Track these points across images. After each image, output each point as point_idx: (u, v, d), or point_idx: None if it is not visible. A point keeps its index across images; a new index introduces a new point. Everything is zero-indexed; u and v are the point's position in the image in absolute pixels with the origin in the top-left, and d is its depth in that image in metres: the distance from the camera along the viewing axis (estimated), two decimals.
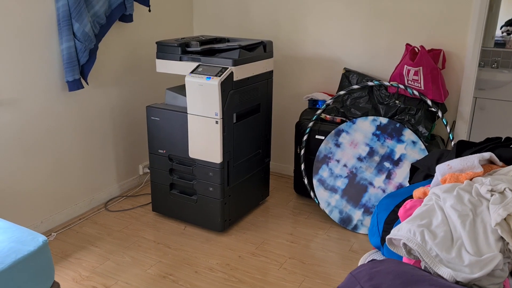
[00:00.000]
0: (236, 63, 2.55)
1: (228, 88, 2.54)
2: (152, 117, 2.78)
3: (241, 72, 2.62)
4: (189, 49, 2.73)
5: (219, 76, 2.49)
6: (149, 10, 3.08)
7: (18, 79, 2.46)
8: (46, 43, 2.57)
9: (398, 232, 1.22)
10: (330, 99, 3.03)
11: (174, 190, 2.88)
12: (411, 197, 1.45)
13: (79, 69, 2.68)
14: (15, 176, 2.54)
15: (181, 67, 2.70)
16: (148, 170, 3.43)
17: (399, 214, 1.33)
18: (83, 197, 3.00)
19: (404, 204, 1.31)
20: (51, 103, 2.67)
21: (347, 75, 3.09)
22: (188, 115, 2.63)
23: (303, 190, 3.27)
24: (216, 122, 2.55)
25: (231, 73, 2.53)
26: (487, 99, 3.59)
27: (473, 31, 2.79)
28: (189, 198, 2.82)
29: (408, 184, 2.72)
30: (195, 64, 2.63)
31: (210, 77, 2.50)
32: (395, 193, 1.49)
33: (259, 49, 2.80)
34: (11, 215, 2.54)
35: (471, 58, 2.84)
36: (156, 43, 2.76)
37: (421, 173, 1.61)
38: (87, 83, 2.78)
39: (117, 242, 2.69)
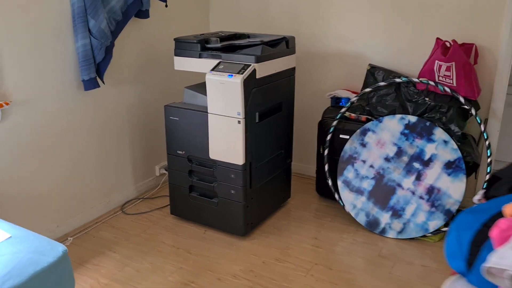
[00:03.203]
0: (258, 59, 2.43)
1: (251, 86, 2.42)
2: (170, 117, 2.67)
3: (264, 69, 2.50)
4: (208, 45, 2.61)
5: (242, 74, 2.37)
6: (166, 5, 2.97)
7: (32, 79, 2.37)
8: (61, 40, 2.47)
9: (502, 261, 1.03)
10: (355, 96, 2.90)
11: (193, 192, 2.77)
12: (499, 214, 1.27)
13: (95, 68, 2.58)
14: (30, 179, 2.44)
15: (201, 65, 2.58)
16: (165, 171, 3.33)
17: (492, 235, 1.15)
18: (99, 199, 2.90)
19: (497, 223, 1.16)
20: (66, 103, 2.57)
21: (373, 72, 2.95)
22: (209, 114, 2.51)
23: (326, 192, 3.14)
24: (239, 122, 2.43)
25: (254, 70, 2.41)
26: None
27: (507, 24, 2.64)
28: (209, 201, 2.71)
29: (440, 186, 2.59)
30: (215, 61, 2.51)
31: (232, 75, 2.38)
32: (476, 209, 1.36)
33: (282, 45, 2.68)
34: (26, 220, 2.45)
35: (505, 52, 2.69)
36: (174, 39, 2.65)
37: (505, 185, 1.44)
38: (103, 82, 2.67)
39: (136, 247, 2.59)
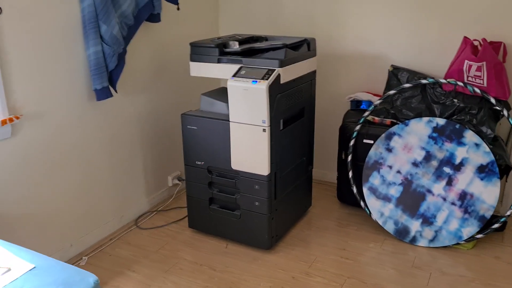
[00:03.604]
0: (282, 64, 2.30)
1: (275, 92, 2.29)
2: (188, 126, 2.53)
3: (288, 74, 2.37)
4: (227, 49, 2.47)
5: (267, 79, 2.24)
6: (178, 8, 2.82)
7: (41, 90, 2.21)
8: (71, 48, 2.31)
9: None
10: (379, 99, 2.78)
11: (213, 204, 2.63)
12: None
13: (107, 76, 2.43)
14: (41, 197, 2.29)
15: (220, 70, 2.45)
16: (178, 182, 3.19)
17: None
18: (113, 214, 2.75)
19: None
20: (78, 115, 2.41)
21: (395, 73, 2.83)
22: (231, 123, 2.37)
23: (348, 199, 3.02)
24: (264, 130, 2.30)
25: (278, 75, 2.28)
26: None
27: None
28: (231, 213, 2.57)
29: (473, 191, 2.48)
30: (236, 67, 2.37)
31: (256, 81, 2.25)
32: None
33: (303, 47, 2.55)
34: (38, 240, 2.29)
35: None
36: (190, 44, 2.51)
37: None
38: (116, 91, 2.52)
39: (156, 265, 2.44)
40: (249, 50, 2.48)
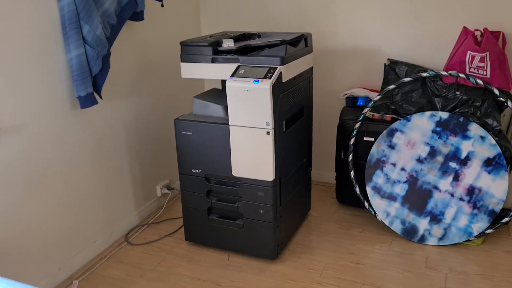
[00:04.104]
0: (284, 61, 2.15)
1: (278, 91, 2.14)
2: (182, 132, 2.34)
3: (289, 72, 2.22)
4: (221, 48, 2.30)
5: (269, 78, 2.08)
6: (162, 5, 2.63)
7: (18, 100, 1.97)
8: (49, 52, 2.08)
9: None
10: (378, 95, 2.67)
11: (212, 214, 2.45)
12: None
13: (91, 81, 2.21)
14: (22, 218, 2.05)
15: (215, 71, 2.27)
16: (168, 191, 2.99)
17: None
18: (101, 231, 2.53)
19: None
20: (60, 125, 2.18)
21: (393, 67, 2.74)
22: (230, 127, 2.20)
23: (348, 200, 2.91)
24: (268, 133, 2.14)
25: (280, 74, 2.13)
26: None
27: None
28: (233, 222, 2.40)
29: (481, 186, 2.41)
30: (233, 66, 2.20)
31: (258, 80, 2.09)
32: None
33: (301, 43, 2.41)
34: (22, 267, 2.05)
35: None
36: (181, 43, 2.32)
37: None
38: (101, 97, 2.30)
39: (155, 285, 2.25)
40: (244, 48, 2.32)
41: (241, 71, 2.17)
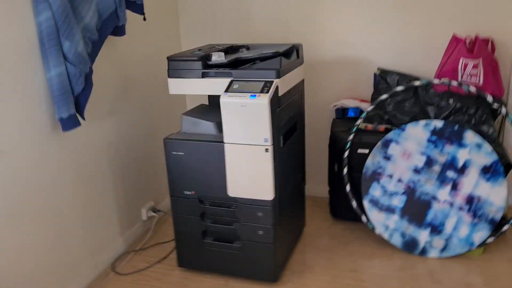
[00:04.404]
0: (280, 74, 2.05)
1: (275, 106, 2.03)
2: (173, 152, 2.20)
3: (285, 85, 2.13)
4: (211, 62, 2.18)
5: (267, 93, 1.98)
6: (144, 19, 2.48)
7: None
8: (27, 72, 1.91)
9: None
10: (371, 105, 2.61)
11: (207, 238, 2.31)
12: None
13: (74, 101, 2.04)
14: (0, 253, 1.85)
15: (206, 86, 2.16)
16: (154, 213, 2.83)
17: None
18: (86, 262, 2.34)
19: None
20: (40, 151, 2.00)
21: (384, 76, 2.69)
22: (225, 145, 2.08)
23: (343, 214, 2.83)
24: (266, 150, 2.03)
25: (277, 88, 2.03)
26: None
27: None
28: (230, 245, 2.27)
29: (480, 194, 2.37)
30: (225, 81, 2.09)
31: (255, 95, 1.98)
32: None
33: (293, 55, 2.33)
34: None
35: None
36: (168, 58, 2.19)
37: None
38: (84, 118, 2.13)
39: None
40: (235, 61, 2.21)
41: (235, 86, 2.05)
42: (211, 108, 2.45)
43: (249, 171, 2.09)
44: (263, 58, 2.18)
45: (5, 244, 1.85)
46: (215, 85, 2.11)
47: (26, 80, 1.90)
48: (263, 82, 2.03)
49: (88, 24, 2.09)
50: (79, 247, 2.28)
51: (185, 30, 3.14)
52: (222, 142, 2.09)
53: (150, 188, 2.85)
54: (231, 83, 2.07)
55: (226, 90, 2.04)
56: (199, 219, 2.27)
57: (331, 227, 2.80)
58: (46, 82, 1.98)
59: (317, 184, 3.07)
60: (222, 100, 2.02)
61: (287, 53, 2.27)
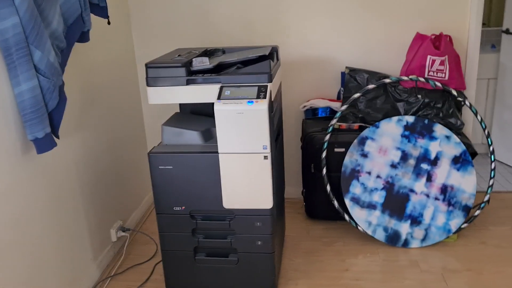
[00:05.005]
0: (271, 78, 1.98)
1: (270, 111, 1.96)
2: (160, 167, 2.03)
3: (274, 88, 2.06)
4: (194, 68, 2.05)
5: (264, 98, 1.90)
6: (108, 23, 2.27)
7: None
8: None
9: None
10: (343, 104, 2.64)
11: (199, 254, 2.18)
12: None
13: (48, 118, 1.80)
14: None
15: (191, 93, 2.01)
16: (123, 233, 2.62)
17: None
18: None
19: None
20: (11, 180, 1.73)
21: (353, 75, 2.73)
22: (220, 155, 1.97)
23: (319, 214, 2.84)
24: (265, 158, 1.95)
25: (270, 92, 1.96)
26: None
27: (474, 12, 2.68)
28: (224, 260, 2.16)
29: (453, 183, 2.50)
30: (214, 87, 1.97)
31: (252, 101, 1.89)
32: None
33: (274, 57, 2.27)
34: None
35: (474, 40, 2.73)
36: (147, 65, 2.01)
37: None
38: (58, 137, 1.89)
39: None
40: (217, 66, 2.10)
41: (227, 92, 1.95)
42: (188, 116, 2.31)
43: (246, 181, 1.99)
44: (246, 62, 2.09)
45: None
46: (202, 92, 1.98)
47: None
48: (257, 87, 1.94)
49: (55, 30, 1.85)
50: (56, 277, 2.02)
51: (139, 35, 2.94)
52: (216, 152, 1.97)
53: (117, 205, 2.63)
54: (221, 89, 1.96)
55: (219, 97, 1.93)
56: (190, 235, 2.13)
57: (310, 229, 2.79)
58: (14, 98, 1.72)
59: (288, 186, 3.04)
60: (216, 108, 1.90)
61: (271, 56, 2.21)
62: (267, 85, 1.94)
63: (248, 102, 1.89)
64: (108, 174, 2.53)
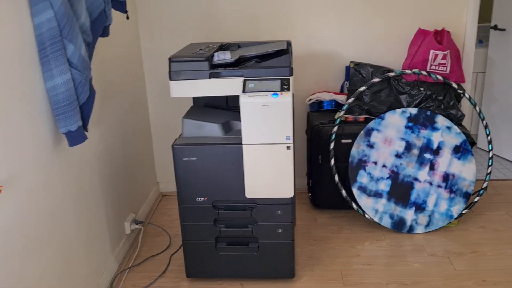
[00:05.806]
0: (291, 71, 2.06)
1: (292, 103, 2.04)
2: (184, 159, 2.08)
3: (293, 82, 2.14)
4: (216, 62, 2.11)
5: (288, 91, 1.97)
6: (127, 17, 2.29)
7: (9, 151, 1.53)
8: (25, 82, 1.65)
9: None
10: (350, 97, 2.74)
11: (220, 243, 2.24)
12: None
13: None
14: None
15: (214, 87, 2.07)
16: (137, 226, 2.65)
17: None
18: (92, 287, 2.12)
19: None
20: (47, 172, 1.75)
21: (358, 69, 2.83)
22: (244, 146, 2.03)
23: (324, 203, 2.94)
24: (288, 148, 2.03)
25: (292, 85, 2.04)
26: None
27: (471, 8, 2.82)
28: (245, 248, 2.23)
29: (454, 171, 2.64)
30: (237, 80, 2.04)
31: (277, 93, 1.97)
32: None
33: (290, 51, 2.34)
34: None
35: (470, 35, 2.88)
36: (170, 60, 2.06)
37: None
38: (87, 130, 1.91)
39: None
40: (238, 60, 2.16)
41: (251, 85, 2.01)
42: (204, 109, 2.37)
43: (269, 171, 2.07)
44: (265, 56, 2.16)
45: (21, 275, 1.60)
46: (225, 85, 2.04)
47: (23, 92, 1.64)
48: (279, 80, 2.02)
49: (83, 24, 1.87)
50: (84, 269, 2.05)
51: (146, 31, 2.96)
52: (240, 143, 2.03)
53: (130, 198, 2.66)
54: (245, 82, 2.02)
55: (244, 90, 1.99)
56: (212, 225, 2.19)
57: (317, 218, 2.88)
58: (46, 92, 1.74)
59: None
60: (242, 101, 1.97)
61: (288, 50, 2.28)
62: (289, 78, 2.02)
63: (273, 94, 1.96)
64: (121, 168, 2.55)
